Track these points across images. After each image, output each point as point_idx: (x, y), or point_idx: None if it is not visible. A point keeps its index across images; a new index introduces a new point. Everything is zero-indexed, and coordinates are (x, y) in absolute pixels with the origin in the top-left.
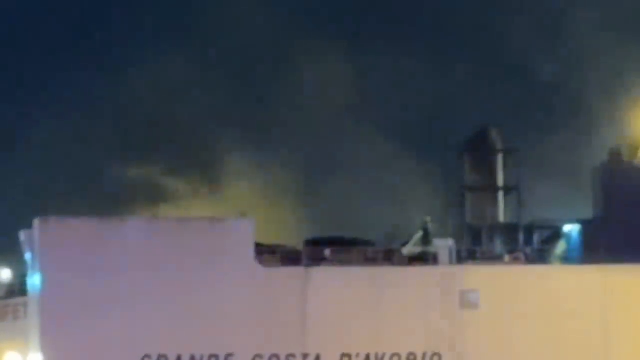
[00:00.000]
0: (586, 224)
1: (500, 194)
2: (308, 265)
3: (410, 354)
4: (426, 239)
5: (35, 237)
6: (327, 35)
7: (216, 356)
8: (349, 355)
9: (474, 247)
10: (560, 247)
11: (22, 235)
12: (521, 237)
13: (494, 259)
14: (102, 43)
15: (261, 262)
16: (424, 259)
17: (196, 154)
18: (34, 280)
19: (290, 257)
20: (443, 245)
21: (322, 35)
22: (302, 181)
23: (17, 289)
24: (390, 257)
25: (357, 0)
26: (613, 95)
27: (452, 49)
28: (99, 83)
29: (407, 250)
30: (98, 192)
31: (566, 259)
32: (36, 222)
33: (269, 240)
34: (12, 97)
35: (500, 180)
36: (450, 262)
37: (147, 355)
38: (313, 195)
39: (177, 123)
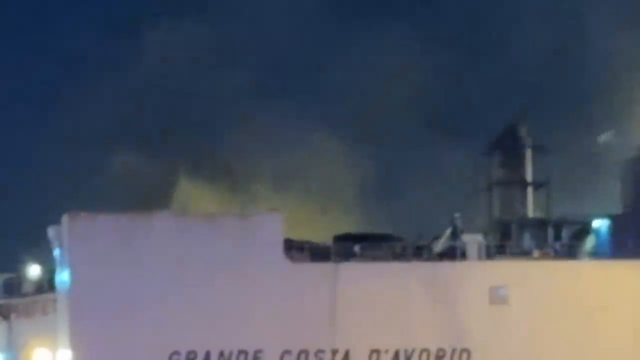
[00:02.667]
0: (615, 219)
1: (530, 189)
2: (337, 261)
3: (440, 349)
4: (455, 235)
5: (63, 233)
6: (359, 27)
7: (245, 352)
8: (378, 351)
9: (503, 242)
10: (590, 242)
11: (51, 231)
12: (550, 232)
13: (523, 254)
14: None
15: (290, 258)
16: (453, 254)
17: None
18: (63, 276)
19: (319, 253)
20: (472, 241)
21: (351, 27)
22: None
23: (46, 285)
24: (419, 252)
25: None
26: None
27: (484, 45)
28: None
29: (436, 246)
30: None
31: (595, 254)
32: (65, 218)
33: (298, 236)
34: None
35: (529, 176)
36: (479, 258)
37: (175, 352)
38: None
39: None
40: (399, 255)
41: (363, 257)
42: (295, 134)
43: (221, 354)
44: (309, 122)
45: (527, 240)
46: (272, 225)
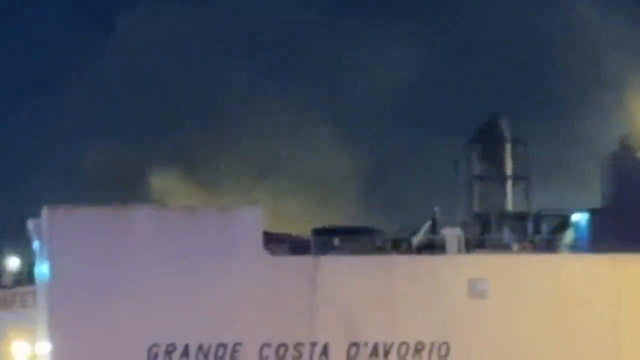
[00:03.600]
0: (595, 213)
1: (509, 183)
2: (317, 254)
3: (419, 342)
4: (434, 228)
5: (43, 225)
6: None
7: (224, 345)
8: (357, 345)
9: (482, 236)
10: (569, 236)
11: (30, 223)
12: (530, 226)
13: (503, 247)
14: None
15: (269, 251)
16: (433, 247)
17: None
18: (42, 269)
19: (298, 246)
20: (451, 234)
21: (335, 21)
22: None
23: (25, 277)
24: (398, 245)
25: None
26: (624, 85)
27: (462, 37)
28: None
29: (415, 239)
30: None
31: (575, 248)
32: (44, 211)
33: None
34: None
35: (509, 169)
36: (459, 251)
37: (155, 345)
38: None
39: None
40: (379, 248)
41: (342, 250)
42: (283, 119)
43: (200, 347)
44: (296, 106)
45: (506, 233)
46: (251, 219)
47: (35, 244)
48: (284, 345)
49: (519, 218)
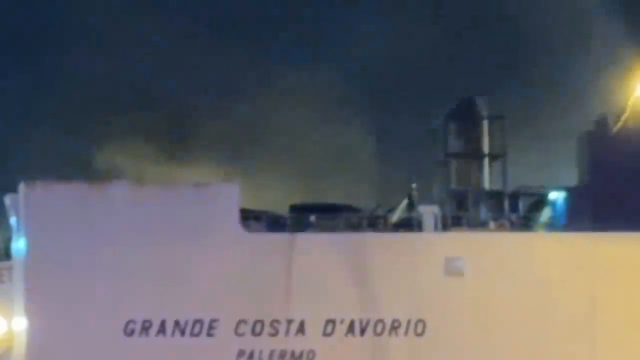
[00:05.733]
0: (571, 192)
1: (486, 161)
2: (293, 231)
3: (395, 320)
4: (411, 206)
5: (20, 201)
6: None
7: (200, 321)
8: (333, 321)
9: (459, 213)
10: (546, 214)
11: (7, 199)
12: (506, 204)
13: (479, 225)
14: None
15: (246, 227)
16: (409, 225)
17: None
18: (19, 245)
19: (275, 223)
20: (428, 212)
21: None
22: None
23: (2, 253)
24: (375, 223)
25: None
26: (601, 64)
27: (438, 13)
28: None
29: (392, 216)
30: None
31: (551, 226)
32: (21, 186)
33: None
34: None
35: (486, 147)
36: (435, 229)
37: (131, 320)
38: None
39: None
40: (355, 226)
41: (319, 227)
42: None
43: (176, 323)
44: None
45: (483, 211)
46: (228, 195)
47: (12, 220)
48: (260, 321)
49: (496, 196)
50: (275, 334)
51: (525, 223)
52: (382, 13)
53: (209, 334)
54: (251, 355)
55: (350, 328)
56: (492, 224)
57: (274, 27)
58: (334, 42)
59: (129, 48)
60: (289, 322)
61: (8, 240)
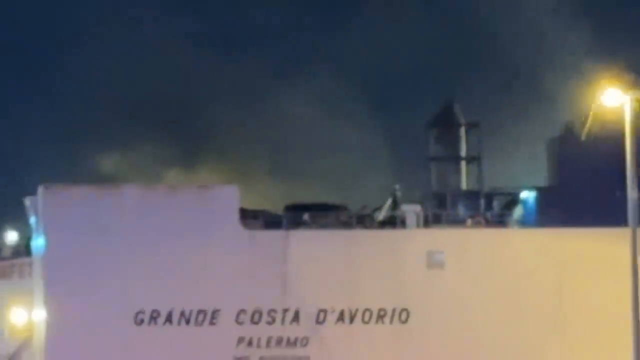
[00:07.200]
0: (541, 191)
1: (463, 164)
2: (288, 228)
3: (381, 309)
4: (395, 205)
5: (39, 202)
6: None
7: (204, 311)
8: (325, 311)
9: (439, 211)
10: (518, 212)
11: (28, 200)
12: (482, 202)
13: (457, 222)
14: None
15: (245, 225)
16: (394, 222)
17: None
18: (38, 242)
19: (272, 221)
20: (411, 210)
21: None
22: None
23: (23, 250)
24: (362, 221)
25: None
26: (568, 76)
27: (420, 25)
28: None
29: (378, 215)
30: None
31: (523, 223)
32: (40, 189)
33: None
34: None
35: (463, 151)
36: (418, 226)
37: (140, 311)
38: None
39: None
40: (345, 223)
41: (312, 224)
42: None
43: (182, 313)
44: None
45: (461, 209)
46: (229, 196)
47: (32, 220)
48: (258, 311)
49: (472, 196)
50: (272, 322)
51: (499, 220)
52: (374, 29)
53: (212, 323)
54: (250, 341)
55: (341, 316)
56: (469, 221)
57: (272, 37)
58: (327, 55)
59: (142, 58)
60: (285, 311)
61: (28, 239)
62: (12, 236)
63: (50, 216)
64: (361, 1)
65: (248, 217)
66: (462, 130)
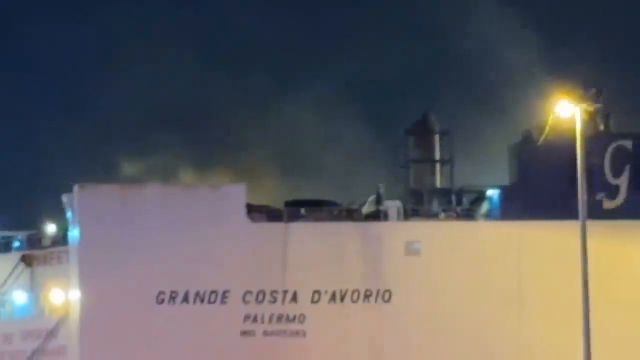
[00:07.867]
0: (504, 189)
1: (437, 166)
2: (288, 221)
3: (367, 290)
4: (379, 201)
5: (74, 199)
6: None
7: (215, 292)
8: (319, 292)
9: (417, 207)
10: (484, 207)
11: (64, 197)
12: (453, 199)
13: (432, 216)
14: None
15: (251, 218)
16: (377, 216)
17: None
18: (74, 233)
19: (273, 215)
20: (392, 205)
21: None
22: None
23: (61, 239)
24: (351, 215)
25: None
26: (527, 89)
27: (404, 42)
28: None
29: (364, 209)
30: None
31: (488, 217)
32: (75, 187)
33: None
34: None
35: (437, 155)
36: (398, 219)
37: (161, 292)
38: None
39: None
40: (336, 217)
41: (308, 218)
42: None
43: (197, 293)
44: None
45: (435, 205)
46: (236, 194)
47: (68, 214)
48: (262, 292)
49: (445, 193)
50: (274, 301)
51: (468, 214)
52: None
53: (222, 302)
54: (255, 318)
55: (333, 297)
56: (442, 215)
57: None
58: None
59: (164, 75)
60: (285, 292)
61: (65, 230)
62: (51, 228)
63: (84, 211)
64: (358, 24)
65: (253, 211)
66: (437, 137)
